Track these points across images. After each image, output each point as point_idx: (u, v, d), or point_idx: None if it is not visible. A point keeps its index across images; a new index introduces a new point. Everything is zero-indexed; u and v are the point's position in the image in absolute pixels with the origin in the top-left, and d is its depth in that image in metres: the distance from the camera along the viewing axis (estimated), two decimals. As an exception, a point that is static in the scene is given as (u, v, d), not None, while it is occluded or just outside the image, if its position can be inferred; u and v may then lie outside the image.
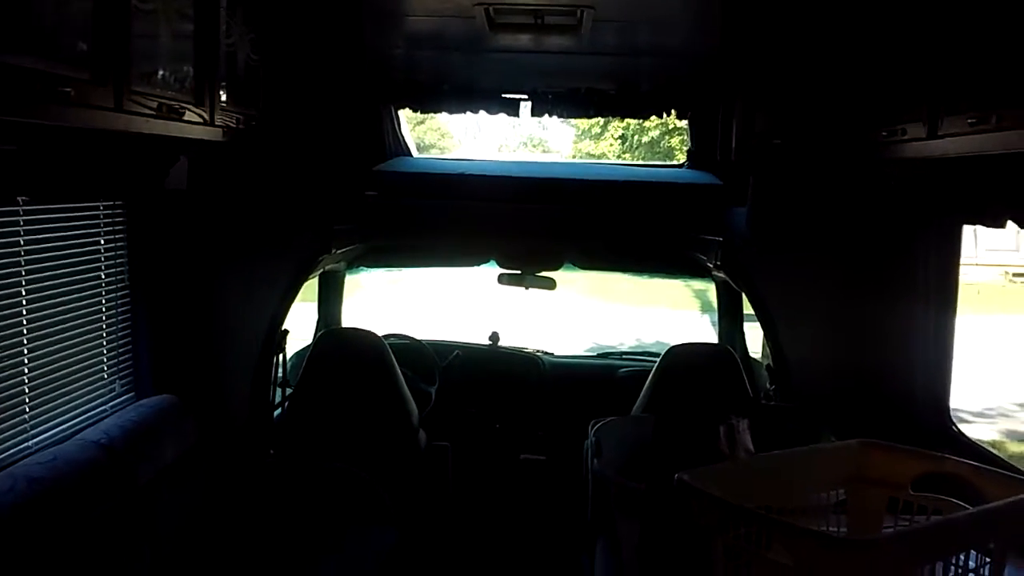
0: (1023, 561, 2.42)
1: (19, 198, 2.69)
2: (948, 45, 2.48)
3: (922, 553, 1.99)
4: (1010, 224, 2.69)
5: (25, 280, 2.86)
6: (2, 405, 2.79)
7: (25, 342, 2.88)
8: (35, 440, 2.93)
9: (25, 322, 2.87)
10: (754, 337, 4.78)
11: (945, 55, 2.49)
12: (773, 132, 3.47)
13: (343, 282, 5.37)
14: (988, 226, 2.84)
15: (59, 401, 3.07)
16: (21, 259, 2.83)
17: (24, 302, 2.86)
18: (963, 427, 3.53)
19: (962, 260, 3.49)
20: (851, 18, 3.17)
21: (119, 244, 3.42)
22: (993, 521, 2.05)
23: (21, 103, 1.93)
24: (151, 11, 2.57)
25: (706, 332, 9.31)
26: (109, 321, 3.38)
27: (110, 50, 2.25)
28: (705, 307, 12.86)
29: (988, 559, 2.05)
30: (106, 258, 3.34)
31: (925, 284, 3.48)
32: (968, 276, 3.53)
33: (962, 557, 2.03)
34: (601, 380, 4.98)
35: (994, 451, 3.68)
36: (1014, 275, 19.16)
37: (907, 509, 2.33)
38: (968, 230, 3.43)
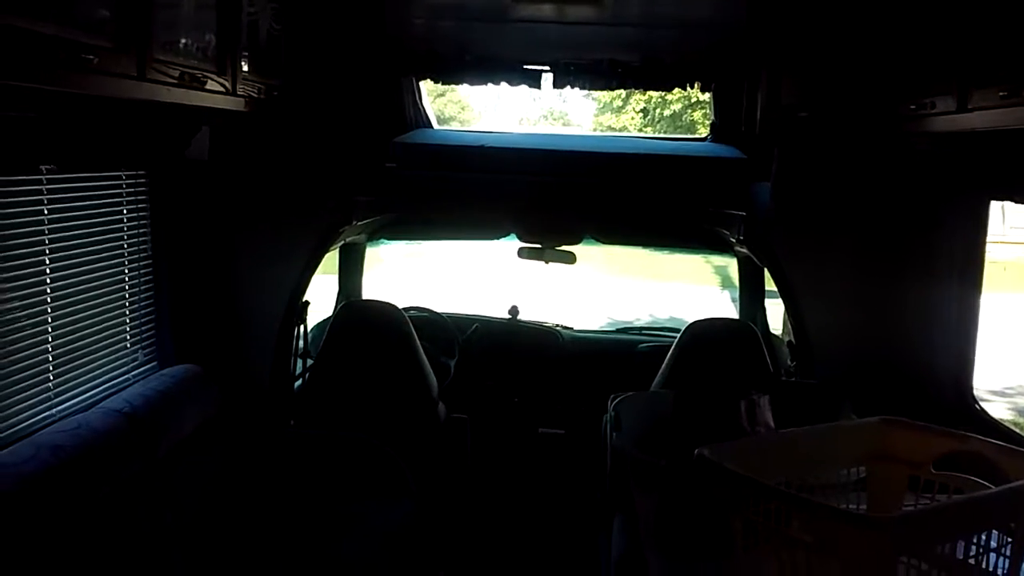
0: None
1: (43, 167, 2.70)
2: (979, 16, 2.43)
3: (943, 532, 1.98)
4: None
5: (49, 249, 2.87)
6: (26, 374, 2.82)
7: (49, 311, 2.90)
8: (59, 408, 2.96)
9: (49, 291, 2.89)
10: (775, 313, 4.75)
11: (976, 27, 2.44)
12: (799, 105, 3.42)
13: (363, 254, 5.38)
14: (1017, 202, 2.81)
15: (82, 370, 3.10)
16: (45, 228, 2.85)
17: (48, 271, 2.88)
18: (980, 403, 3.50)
19: (988, 237, 3.44)
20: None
21: (142, 213, 3.43)
22: (1016, 501, 2.03)
23: (44, 71, 1.93)
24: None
25: (726, 308, 9.27)
26: (132, 290, 3.40)
27: (133, 18, 2.25)
28: (725, 283, 12.80)
29: (1010, 539, 2.04)
30: (129, 227, 3.36)
31: (950, 261, 3.44)
32: (993, 253, 3.48)
33: (984, 536, 2.01)
34: (621, 355, 4.97)
35: (1016, 430, 3.65)
36: (1039, 253, 18.91)
37: (928, 487, 2.32)
38: (995, 206, 3.38)
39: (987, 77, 2.36)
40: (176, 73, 2.48)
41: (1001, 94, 2.25)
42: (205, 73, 2.67)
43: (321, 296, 4.74)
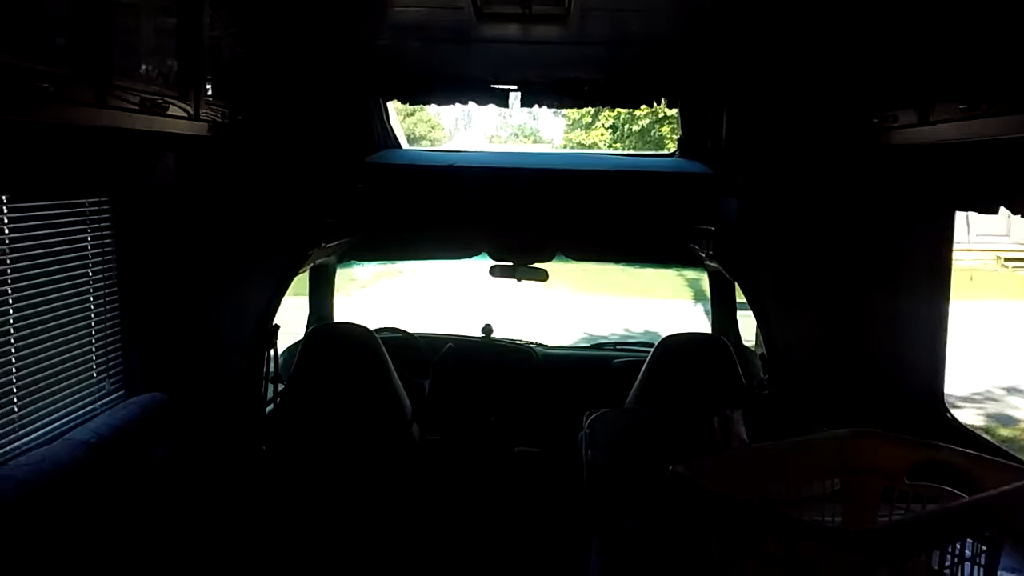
0: (1019, 549, 2.42)
1: (2, 196, 2.66)
2: (939, 31, 2.46)
3: (917, 543, 1.98)
4: (1002, 209, 2.69)
5: (11, 279, 2.82)
6: (-10, 406, 2.76)
7: (12, 342, 2.84)
8: (24, 440, 2.89)
9: (12, 322, 2.84)
10: (747, 326, 4.76)
11: (937, 41, 2.47)
12: (764, 120, 3.45)
13: (334, 276, 5.34)
14: (980, 212, 2.84)
15: (48, 401, 3.03)
16: (7, 258, 2.79)
17: (11, 301, 2.82)
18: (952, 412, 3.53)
19: (955, 246, 3.47)
20: (842, 4, 3.15)
21: (106, 241, 3.38)
22: (989, 509, 2.04)
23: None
24: (132, 4, 2.54)
25: (700, 321, 9.32)
26: (98, 319, 3.35)
27: (91, 45, 2.22)
28: (698, 296, 12.87)
29: (984, 547, 2.04)
30: (93, 255, 3.30)
31: (919, 271, 3.47)
32: (960, 261, 3.52)
33: (958, 546, 2.02)
34: (595, 371, 4.97)
35: (987, 437, 3.68)
36: (1006, 260, 19.24)
37: (902, 498, 2.33)
38: (960, 215, 3.43)
39: (948, 91, 2.39)
40: (136, 99, 2.45)
41: (962, 107, 2.28)
42: (166, 99, 2.64)
43: (292, 319, 4.69)
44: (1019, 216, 2.61)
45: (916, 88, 2.56)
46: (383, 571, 3.54)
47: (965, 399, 10.01)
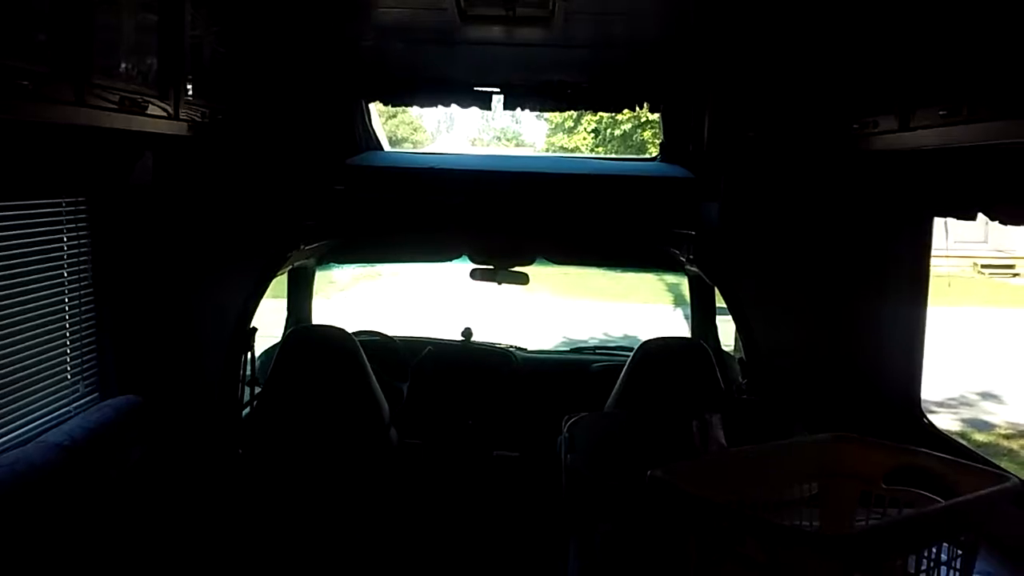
0: (994, 553, 2.44)
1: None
2: (920, 37, 2.48)
3: (894, 547, 1.99)
4: (979, 216, 2.71)
5: (-16, 279, 2.79)
6: (-39, 407, 2.72)
7: (-16, 343, 2.81)
8: (-4, 443, 2.86)
9: (-16, 322, 2.80)
10: (726, 330, 4.78)
11: (917, 47, 2.49)
12: (746, 125, 3.46)
13: (313, 278, 5.31)
14: (959, 218, 2.86)
15: (21, 403, 2.99)
16: (-21, 257, 2.76)
17: (-17, 301, 2.79)
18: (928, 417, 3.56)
19: (933, 252, 3.50)
20: (823, 10, 3.17)
21: (82, 242, 3.34)
22: (964, 514, 2.06)
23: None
24: (113, 1, 2.52)
25: (680, 326, 9.35)
26: (72, 320, 3.30)
27: (71, 42, 2.20)
28: (678, 301, 12.92)
29: (960, 551, 2.06)
30: (69, 256, 3.26)
31: (897, 277, 3.50)
32: (938, 268, 3.55)
33: (934, 550, 2.04)
34: (574, 375, 4.96)
35: (963, 442, 3.71)
36: (982, 266, 19.47)
37: (879, 502, 2.34)
38: (938, 221, 3.46)
39: (928, 96, 2.40)
40: (116, 98, 2.43)
41: (941, 113, 2.30)
42: (146, 98, 2.62)
43: (270, 321, 4.66)
44: (997, 222, 2.63)
45: (897, 93, 2.57)
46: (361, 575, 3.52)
47: (941, 404, 10.10)
